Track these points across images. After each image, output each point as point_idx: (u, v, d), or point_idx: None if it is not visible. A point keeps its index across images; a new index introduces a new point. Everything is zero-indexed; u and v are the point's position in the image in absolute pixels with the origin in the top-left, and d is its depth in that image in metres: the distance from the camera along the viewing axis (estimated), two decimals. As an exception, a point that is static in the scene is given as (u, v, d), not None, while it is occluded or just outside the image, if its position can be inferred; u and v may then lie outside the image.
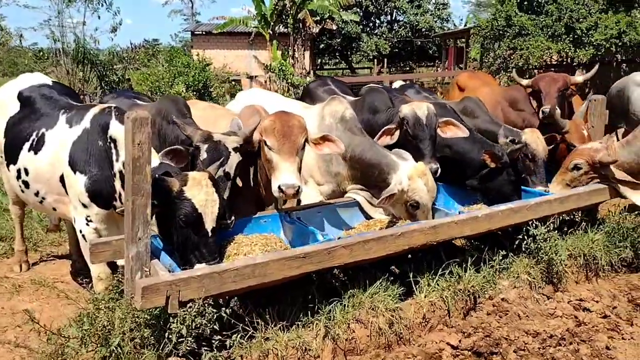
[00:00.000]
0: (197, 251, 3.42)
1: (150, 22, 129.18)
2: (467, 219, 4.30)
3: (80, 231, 4.10)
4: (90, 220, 4.05)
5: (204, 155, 3.83)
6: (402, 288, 4.14)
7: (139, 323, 3.30)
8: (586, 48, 15.49)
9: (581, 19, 15.41)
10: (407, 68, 38.34)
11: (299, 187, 3.81)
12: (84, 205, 4.01)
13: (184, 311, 3.15)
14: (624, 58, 15.75)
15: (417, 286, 4.28)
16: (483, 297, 4.44)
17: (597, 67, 6.72)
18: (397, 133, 4.82)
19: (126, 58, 22.81)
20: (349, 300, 3.91)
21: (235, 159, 3.89)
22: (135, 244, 3.34)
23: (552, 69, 15.77)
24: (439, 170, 4.62)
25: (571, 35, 15.79)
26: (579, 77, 6.01)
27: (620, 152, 5.20)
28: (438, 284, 4.34)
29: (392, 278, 4.16)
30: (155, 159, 3.76)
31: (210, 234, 3.43)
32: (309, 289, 3.86)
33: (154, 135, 4.31)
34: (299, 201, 4.77)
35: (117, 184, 3.92)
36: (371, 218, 4.67)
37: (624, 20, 14.69)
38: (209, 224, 3.42)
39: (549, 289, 4.70)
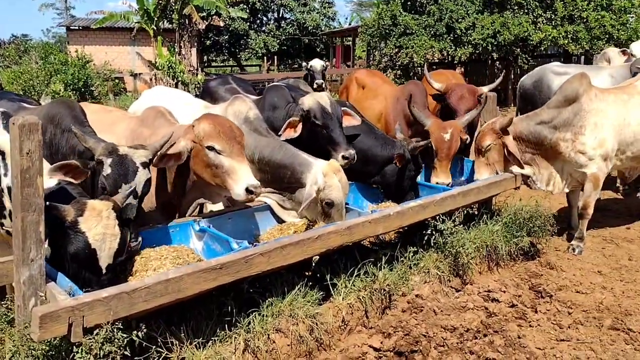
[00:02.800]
0: (89, 289, 3.06)
1: (17, 15, 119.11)
2: (380, 218, 4.30)
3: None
4: None
5: (107, 170, 3.41)
6: (321, 292, 4.05)
7: (36, 356, 2.92)
8: (465, 47, 16.45)
9: (460, 19, 16.33)
10: (296, 65, 38.53)
11: (259, 184, 3.72)
12: None
13: (89, 339, 2.83)
14: (497, 56, 16.90)
15: (335, 289, 4.21)
16: (397, 294, 4.47)
17: (501, 78, 6.98)
18: (300, 126, 4.73)
19: (-7, 55, 20.79)
20: (268, 310, 3.75)
21: (143, 175, 3.48)
22: (27, 266, 2.95)
23: (434, 67, 16.55)
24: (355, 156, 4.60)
25: (451, 35, 16.70)
26: (485, 88, 6.21)
27: (519, 123, 5.43)
28: (354, 285, 4.30)
29: (310, 283, 4.05)
30: (53, 179, 3.35)
31: (104, 271, 3.10)
32: (224, 300, 3.65)
33: (44, 145, 3.85)
34: (202, 208, 4.52)
35: (6, 200, 3.44)
36: (283, 222, 4.53)
37: (498, 21, 15.76)
38: (104, 260, 3.09)
39: (457, 281, 4.84)
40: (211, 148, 3.69)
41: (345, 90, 7.61)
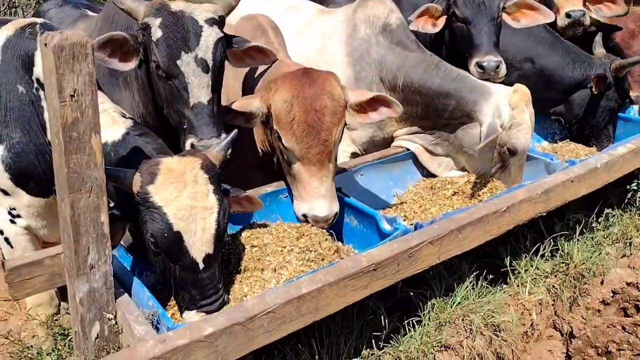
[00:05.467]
0: (185, 291, 1.98)
1: None
2: (584, 174, 2.92)
3: (2, 232, 2.53)
4: (18, 215, 2.49)
5: (157, 33, 2.24)
6: (501, 284, 2.82)
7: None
8: None
9: None
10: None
11: (335, 214, 2.43)
12: (4, 192, 2.43)
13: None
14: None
15: (515, 275, 2.96)
16: (590, 277, 3.16)
17: None
18: (443, 20, 3.32)
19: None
20: (429, 316, 2.57)
21: (212, 36, 2.30)
22: (84, 276, 1.86)
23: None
24: (504, 68, 3.15)
25: None
26: None
27: None
28: (539, 269, 3.03)
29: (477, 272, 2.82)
30: (118, 128, 2.20)
31: (201, 265, 1.96)
32: (367, 302, 2.49)
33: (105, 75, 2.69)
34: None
35: None
36: (432, 175, 3.24)
37: None
38: (198, 249, 1.94)
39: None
40: (278, 137, 2.43)
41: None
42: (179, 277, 1.97)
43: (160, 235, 1.90)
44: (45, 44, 1.68)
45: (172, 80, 2.28)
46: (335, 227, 2.70)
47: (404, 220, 2.86)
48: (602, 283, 3.17)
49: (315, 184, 2.37)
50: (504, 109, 2.80)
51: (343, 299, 2.08)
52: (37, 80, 2.32)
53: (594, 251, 3.23)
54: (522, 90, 2.87)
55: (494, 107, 2.84)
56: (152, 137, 2.21)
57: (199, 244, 1.94)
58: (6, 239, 2.50)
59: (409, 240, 2.27)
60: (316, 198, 2.36)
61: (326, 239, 2.37)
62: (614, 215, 3.47)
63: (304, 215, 2.43)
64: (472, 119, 2.95)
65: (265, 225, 2.50)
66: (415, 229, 2.39)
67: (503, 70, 3.11)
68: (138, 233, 2.03)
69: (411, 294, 2.59)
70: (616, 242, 3.43)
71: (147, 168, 1.95)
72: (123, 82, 2.69)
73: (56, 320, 2.51)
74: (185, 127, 2.31)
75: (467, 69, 3.13)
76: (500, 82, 3.09)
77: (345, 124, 2.50)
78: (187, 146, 2.28)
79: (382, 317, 2.45)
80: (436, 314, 2.59)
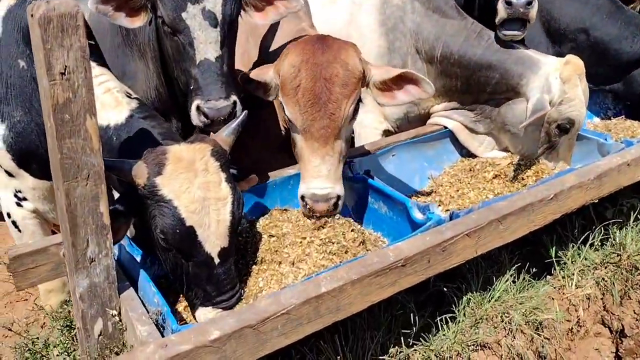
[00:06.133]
0: (198, 287, 1.81)
1: None
2: (641, 157, 2.61)
3: (9, 215, 2.42)
4: (24, 198, 2.37)
5: None
6: (544, 276, 2.58)
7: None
8: None
9: None
10: None
11: (338, 197, 2.09)
12: (9, 174, 2.31)
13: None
14: None
15: (560, 266, 2.71)
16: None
17: None
18: None
19: None
20: (464, 312, 2.35)
21: None
22: (84, 270, 1.70)
23: None
24: (536, 6, 2.61)
25: None
26: None
27: None
28: (587, 259, 2.76)
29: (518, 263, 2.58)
30: (121, 110, 2.02)
31: (217, 260, 1.78)
32: (397, 297, 2.29)
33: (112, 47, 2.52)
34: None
35: None
36: (471, 155, 2.98)
37: None
38: (213, 243, 1.77)
39: None
40: (282, 106, 2.17)
41: None
42: (192, 274, 1.81)
43: (171, 231, 1.73)
44: (32, 15, 1.50)
45: (178, 35, 2.07)
46: (361, 214, 2.50)
47: (439, 205, 2.63)
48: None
49: (315, 162, 2.06)
50: (554, 82, 2.51)
51: (367, 298, 1.88)
52: None
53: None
54: (574, 62, 2.56)
55: (543, 81, 2.54)
56: (157, 120, 2.03)
57: (214, 237, 1.76)
58: (14, 222, 2.39)
59: (443, 232, 2.04)
60: (315, 177, 2.07)
61: (352, 230, 2.16)
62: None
63: (302, 198, 2.11)
64: (518, 94, 2.66)
65: (285, 212, 2.31)
66: (451, 218, 2.16)
67: (535, 8, 2.61)
68: (144, 227, 1.87)
69: (444, 289, 2.37)
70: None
71: (154, 157, 1.76)
72: (137, 51, 2.51)
73: (66, 307, 2.39)
74: (191, 87, 2.09)
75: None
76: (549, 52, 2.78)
77: (360, 100, 2.21)
78: (193, 109, 2.07)
79: (412, 313, 2.25)
80: (472, 309, 2.37)
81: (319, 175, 2.06)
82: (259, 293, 1.93)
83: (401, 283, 1.95)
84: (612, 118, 3.43)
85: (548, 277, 2.71)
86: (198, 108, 2.05)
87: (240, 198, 1.85)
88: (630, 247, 2.78)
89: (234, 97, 2.06)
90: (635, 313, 2.75)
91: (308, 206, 2.09)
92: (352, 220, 2.24)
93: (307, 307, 1.73)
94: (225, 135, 1.88)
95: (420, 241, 1.99)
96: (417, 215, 2.20)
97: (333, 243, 2.04)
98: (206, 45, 2.05)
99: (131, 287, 1.87)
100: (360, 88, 2.16)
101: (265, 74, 2.22)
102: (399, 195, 2.33)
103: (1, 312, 2.81)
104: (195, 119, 2.09)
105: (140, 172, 1.74)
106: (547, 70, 2.56)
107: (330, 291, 1.77)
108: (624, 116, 3.43)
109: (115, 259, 1.90)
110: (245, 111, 1.97)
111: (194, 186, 1.74)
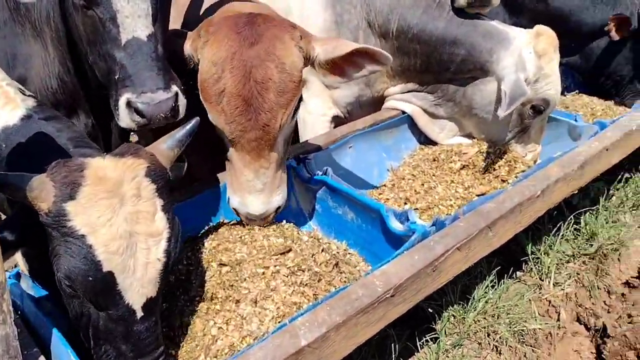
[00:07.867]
0: (111, 346, 1.35)
1: None
2: (619, 140, 2.41)
3: None
4: None
5: None
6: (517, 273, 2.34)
7: None
8: None
9: None
10: None
11: (277, 208, 1.80)
12: None
13: None
14: None
15: (534, 261, 2.49)
16: (611, 257, 2.72)
17: None
18: None
19: None
20: (445, 329, 2.06)
21: None
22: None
23: None
24: None
25: None
26: None
27: None
28: (559, 252, 2.56)
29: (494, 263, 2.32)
30: (15, 107, 1.49)
31: (139, 313, 1.33)
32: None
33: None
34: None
35: None
36: (430, 142, 2.67)
37: None
38: (136, 293, 1.31)
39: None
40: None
41: None
42: (104, 328, 1.33)
43: (81, 277, 1.25)
44: None
45: (94, 9, 1.57)
46: (322, 221, 2.13)
47: (405, 204, 2.30)
48: (619, 260, 2.74)
49: (248, 177, 1.72)
50: (529, 57, 2.22)
51: (353, 340, 1.52)
52: None
53: (614, 226, 2.78)
54: (547, 33, 2.29)
55: (516, 57, 2.25)
56: (64, 122, 1.53)
57: (139, 285, 1.30)
58: None
59: (432, 247, 1.71)
60: (250, 193, 1.73)
61: (322, 250, 1.77)
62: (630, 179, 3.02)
63: (235, 210, 1.82)
64: (487, 72, 2.36)
65: (234, 227, 1.88)
66: (434, 226, 1.83)
67: None
68: (43, 258, 1.36)
69: (423, 305, 2.06)
70: (633, 210, 3.00)
71: (66, 174, 1.26)
72: (31, 29, 1.95)
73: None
74: (117, 77, 1.60)
75: None
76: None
77: (301, 99, 1.81)
78: (121, 105, 1.59)
79: (390, 339, 1.92)
80: (454, 324, 2.09)
81: (253, 190, 1.73)
82: (212, 345, 1.51)
83: (389, 315, 1.61)
84: (566, 94, 3.23)
85: (523, 275, 2.48)
86: (129, 104, 1.56)
87: (178, 233, 1.38)
88: (601, 235, 2.61)
89: (175, 88, 1.59)
90: (606, 304, 2.60)
91: (242, 219, 1.81)
92: (318, 231, 1.86)
93: (287, 365, 1.35)
94: (166, 148, 1.40)
95: (409, 262, 1.65)
96: (396, 226, 1.85)
97: (303, 271, 1.64)
98: (134, 19, 1.56)
99: (41, 356, 1.39)
100: (301, 90, 1.76)
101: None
102: (370, 201, 1.97)
103: None
104: (126, 118, 1.59)
105: (43, 192, 1.24)
106: (519, 44, 2.27)
107: (312, 343, 1.39)
108: (577, 91, 3.25)
109: (18, 313, 1.41)
110: (197, 118, 1.48)
111: (118, 217, 1.26)
